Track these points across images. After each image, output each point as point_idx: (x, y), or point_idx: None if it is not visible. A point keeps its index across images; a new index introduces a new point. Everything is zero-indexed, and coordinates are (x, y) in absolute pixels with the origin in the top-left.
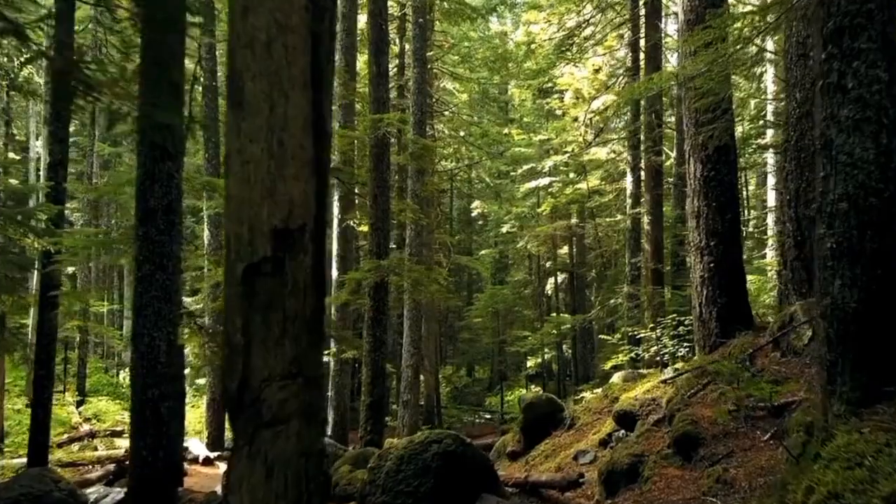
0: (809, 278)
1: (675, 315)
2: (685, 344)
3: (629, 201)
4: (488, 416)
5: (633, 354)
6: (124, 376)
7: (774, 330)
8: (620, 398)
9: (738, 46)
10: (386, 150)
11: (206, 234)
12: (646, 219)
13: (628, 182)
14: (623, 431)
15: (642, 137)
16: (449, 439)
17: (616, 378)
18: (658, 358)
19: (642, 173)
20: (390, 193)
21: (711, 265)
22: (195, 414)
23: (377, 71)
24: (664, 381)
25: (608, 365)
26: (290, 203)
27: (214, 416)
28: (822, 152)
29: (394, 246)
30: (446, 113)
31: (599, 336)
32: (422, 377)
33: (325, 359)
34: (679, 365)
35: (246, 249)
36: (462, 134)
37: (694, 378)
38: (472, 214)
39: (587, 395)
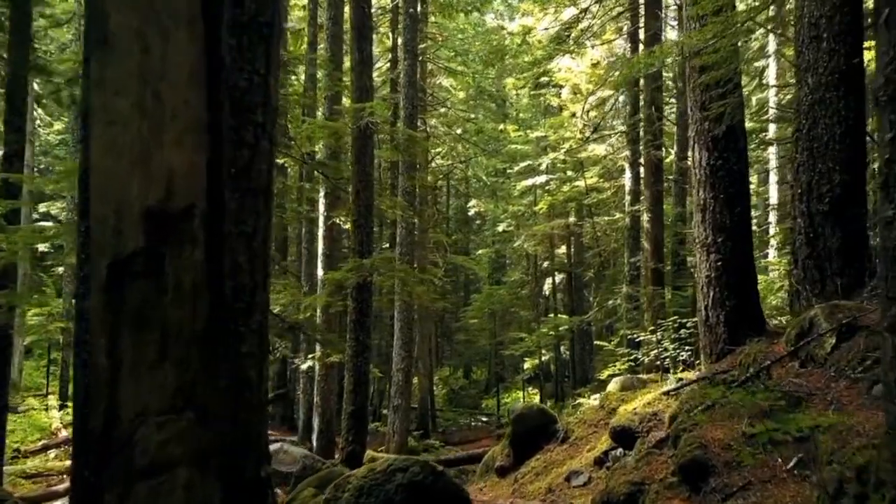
0: (822, 278)
1: (676, 317)
2: (687, 348)
3: (628, 198)
4: (484, 419)
5: (632, 359)
6: None
7: (792, 337)
8: (618, 411)
9: (748, 20)
10: (369, 141)
11: None
12: (645, 216)
13: (627, 178)
14: (621, 450)
15: (641, 132)
16: (416, 467)
17: (613, 385)
18: (658, 362)
19: (641, 169)
20: (375, 188)
21: (719, 264)
22: None
23: (359, 58)
24: (666, 393)
25: (605, 374)
26: (170, 177)
27: None
28: (889, 105)
29: (386, 245)
30: (440, 108)
31: (596, 342)
32: (415, 380)
33: (309, 363)
34: (682, 374)
35: (110, 240)
36: (459, 131)
37: (700, 390)
38: (469, 214)
39: (584, 401)
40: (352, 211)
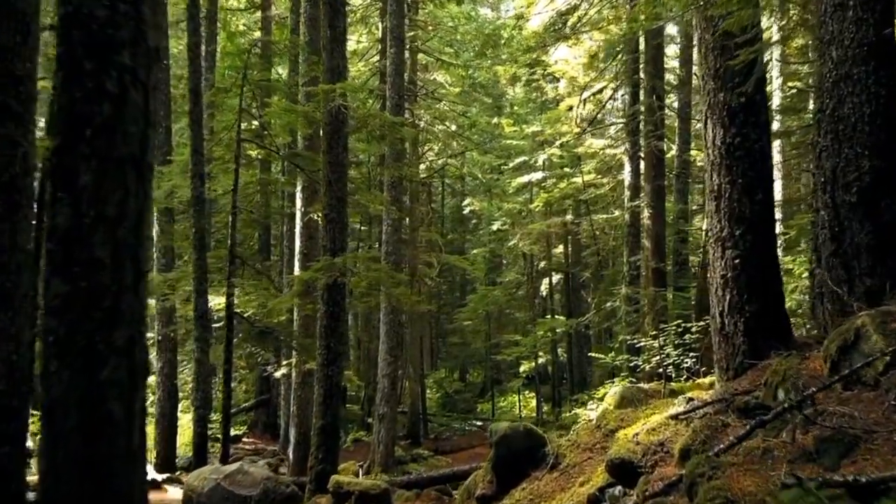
0: (850, 278)
1: (680, 321)
2: (692, 354)
3: (628, 193)
4: (479, 423)
5: (632, 366)
6: None
7: (832, 351)
8: (617, 436)
9: None
10: (341, 126)
11: None
12: (646, 212)
13: (627, 172)
14: (620, 488)
15: (642, 124)
16: None
17: (611, 396)
18: (661, 370)
19: (642, 163)
20: (348, 178)
21: (736, 261)
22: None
23: (331, 35)
24: (675, 417)
25: (601, 393)
26: None
27: (164, 434)
28: None
29: (377, 244)
30: (432, 102)
31: (592, 354)
32: (406, 384)
33: (284, 370)
34: (687, 384)
35: None
36: (453, 128)
37: (716, 416)
38: (465, 213)
39: (580, 411)
40: (323, 203)
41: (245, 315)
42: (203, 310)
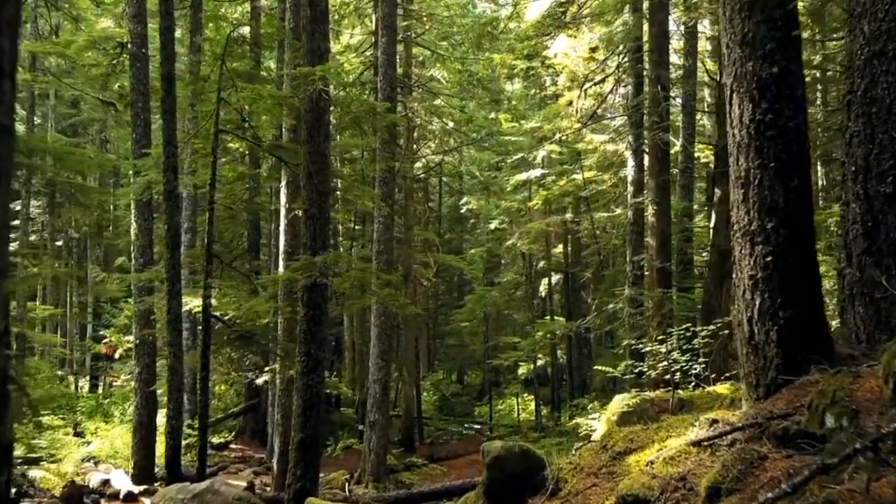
0: (889, 277)
1: (688, 324)
2: (700, 359)
3: (631, 189)
4: (477, 426)
5: (636, 371)
6: (81, 386)
7: (893, 367)
8: (628, 462)
9: None
10: (323, 114)
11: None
12: (650, 209)
13: (630, 167)
14: None
15: (646, 115)
16: None
17: (615, 405)
18: (668, 376)
19: (646, 158)
20: (330, 170)
21: (768, 259)
22: (124, 440)
23: (312, 14)
24: (697, 444)
25: (609, 413)
26: None
27: (142, 443)
28: None
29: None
30: (423, 93)
31: (595, 367)
32: (402, 388)
33: (266, 377)
34: (716, 413)
35: None
36: (450, 125)
37: (749, 444)
38: (462, 211)
39: (581, 421)
40: (303, 197)
41: (225, 318)
42: (176, 313)
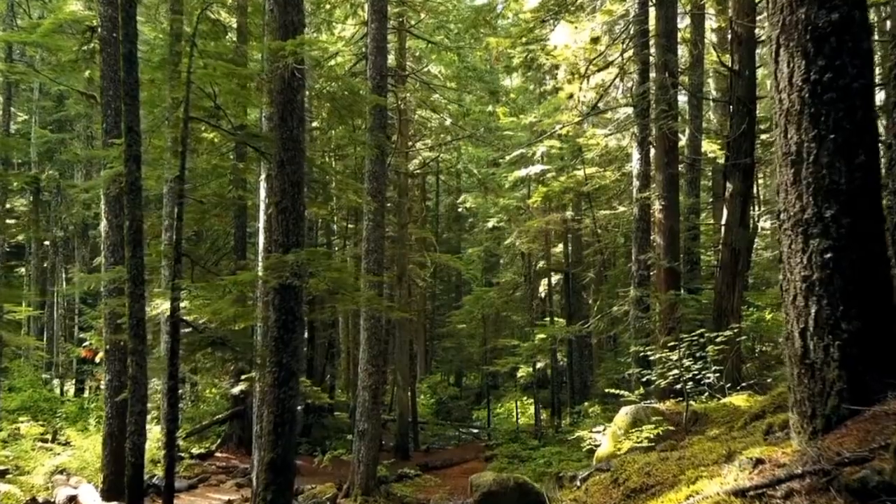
0: None
1: (703, 330)
2: (714, 368)
3: (636, 183)
4: (475, 431)
5: (643, 379)
6: (67, 390)
7: None
8: None
9: None
10: (296, 95)
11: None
12: (657, 205)
13: (635, 160)
14: None
15: (653, 106)
16: None
17: (621, 418)
18: (679, 385)
19: (652, 150)
20: (304, 159)
21: (827, 255)
22: (95, 451)
23: None
24: (741, 493)
25: (616, 426)
26: None
27: (112, 456)
28: None
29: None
30: (417, 85)
31: (609, 390)
32: (396, 393)
33: (242, 386)
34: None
35: None
36: (448, 122)
37: (812, 497)
38: (460, 210)
39: (584, 434)
40: (273, 188)
41: (201, 322)
42: (139, 317)
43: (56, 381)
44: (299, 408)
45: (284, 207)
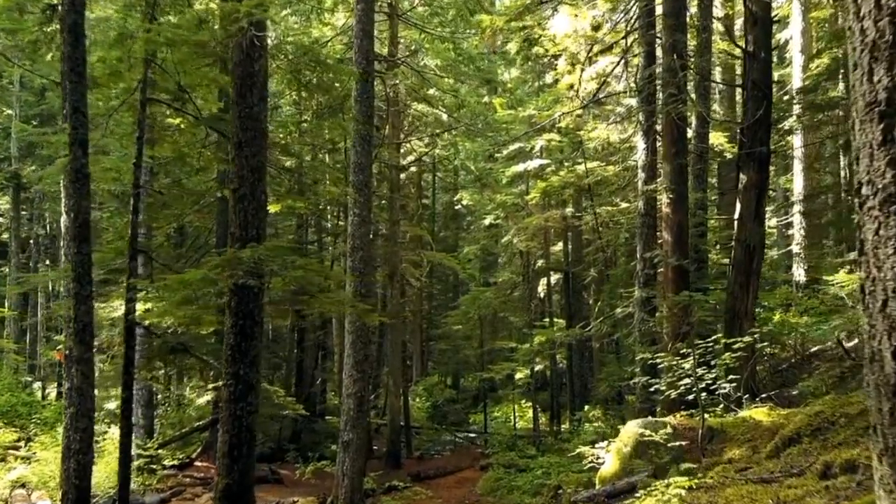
0: None
1: (719, 335)
2: (731, 377)
3: (641, 175)
4: (472, 435)
5: (651, 388)
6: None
7: None
8: None
9: None
10: (256, 67)
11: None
12: (664, 198)
13: (640, 150)
14: None
15: (659, 91)
16: None
17: (627, 434)
18: (691, 396)
19: (658, 140)
20: (266, 140)
21: None
22: (56, 465)
23: None
24: None
25: (622, 442)
26: None
27: (76, 470)
28: None
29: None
30: (406, 71)
31: (604, 395)
32: (387, 398)
33: (209, 396)
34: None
35: None
36: (444, 117)
37: None
38: (457, 208)
39: (585, 450)
40: (230, 174)
41: (168, 327)
42: (84, 321)
43: (37, 385)
44: (287, 412)
45: (242, 195)
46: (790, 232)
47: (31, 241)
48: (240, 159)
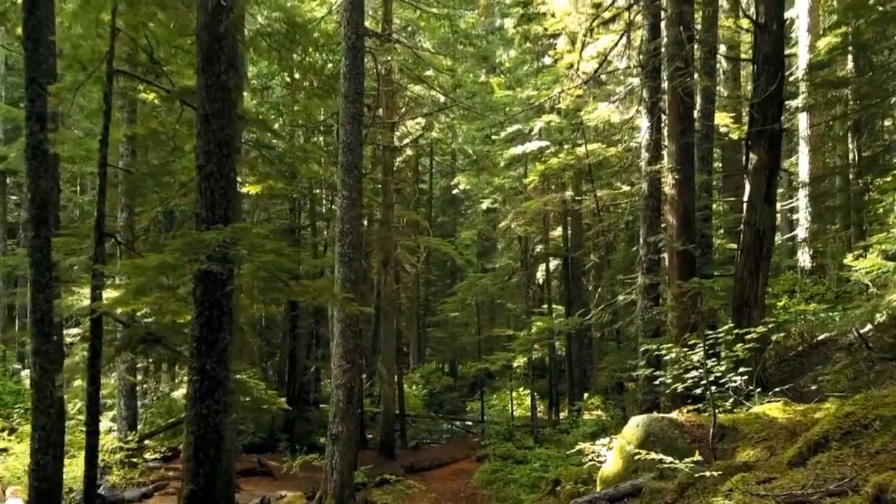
0: None
1: (731, 326)
2: (742, 370)
3: (645, 155)
4: (469, 424)
5: (656, 381)
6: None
7: None
8: None
9: None
10: (226, 31)
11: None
12: (670, 179)
13: (644, 129)
14: None
15: (664, 65)
16: None
17: (631, 432)
18: (699, 391)
19: (663, 117)
20: (236, 112)
21: None
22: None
23: None
24: None
25: (625, 440)
26: None
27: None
28: None
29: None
30: (402, 52)
31: (604, 385)
32: (380, 386)
33: (185, 389)
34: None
35: None
36: (441, 99)
37: None
38: (455, 193)
39: (585, 447)
40: (196, 149)
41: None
42: (43, 311)
43: (25, 373)
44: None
45: (209, 173)
46: (795, 216)
47: (20, 227)
48: (206, 133)
